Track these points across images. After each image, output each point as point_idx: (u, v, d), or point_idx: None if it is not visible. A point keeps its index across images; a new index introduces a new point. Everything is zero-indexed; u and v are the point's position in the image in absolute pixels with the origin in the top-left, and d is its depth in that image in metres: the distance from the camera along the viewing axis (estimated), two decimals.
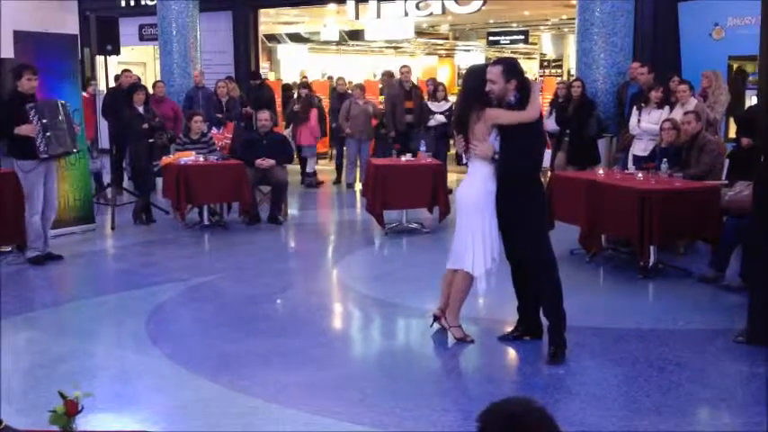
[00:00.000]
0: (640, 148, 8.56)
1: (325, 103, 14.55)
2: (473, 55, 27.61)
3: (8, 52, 8.31)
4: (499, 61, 4.89)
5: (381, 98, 12.94)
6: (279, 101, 14.41)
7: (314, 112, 12.60)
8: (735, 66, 10.98)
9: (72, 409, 2.31)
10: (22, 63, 7.38)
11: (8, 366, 4.79)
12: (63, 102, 7.48)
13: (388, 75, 13.51)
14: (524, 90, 4.79)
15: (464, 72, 5.60)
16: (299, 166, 12.82)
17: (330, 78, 15.13)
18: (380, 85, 13.35)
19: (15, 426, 2.17)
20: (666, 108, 8.50)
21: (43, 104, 7.17)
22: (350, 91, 13.25)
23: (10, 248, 7.65)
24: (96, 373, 4.74)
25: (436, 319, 5.27)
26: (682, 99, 8.31)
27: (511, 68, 4.76)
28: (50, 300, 6.48)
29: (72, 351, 5.05)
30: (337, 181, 12.87)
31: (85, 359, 4.96)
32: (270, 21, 20.06)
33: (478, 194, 4.85)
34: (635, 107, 8.86)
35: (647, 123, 8.51)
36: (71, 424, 2.32)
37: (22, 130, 7.01)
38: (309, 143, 12.63)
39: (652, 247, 6.68)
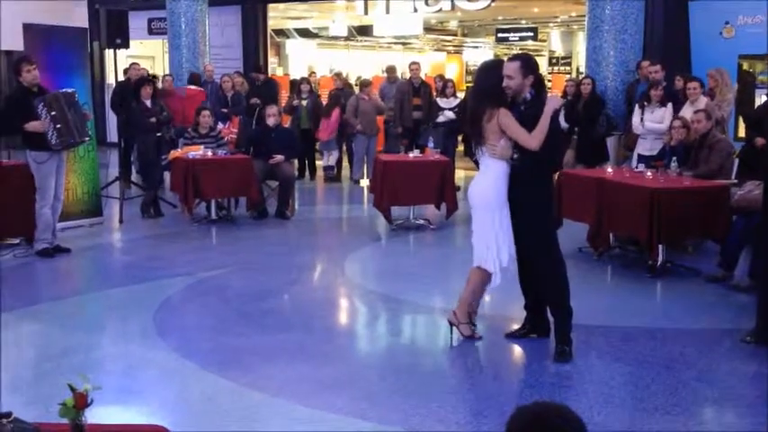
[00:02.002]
0: (645, 147, 8.53)
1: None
2: (482, 51, 27.57)
3: (18, 45, 8.32)
4: (517, 57, 4.86)
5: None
6: (286, 95, 14.38)
7: (336, 110, 12.56)
8: (745, 64, 10.93)
9: (81, 402, 2.31)
10: (18, 57, 7.35)
11: (16, 359, 4.82)
12: (71, 90, 7.46)
13: (390, 70, 13.45)
14: (540, 87, 4.80)
15: (478, 67, 5.58)
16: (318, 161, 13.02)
17: (339, 74, 15.07)
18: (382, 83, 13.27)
19: (24, 418, 2.17)
20: (669, 105, 8.46)
21: (51, 97, 7.15)
22: (356, 87, 13.26)
23: (18, 241, 7.67)
24: (103, 366, 4.76)
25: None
26: (692, 97, 8.27)
27: (529, 64, 4.74)
28: (58, 292, 6.50)
29: (79, 344, 5.06)
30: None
31: (92, 352, 4.97)
32: (278, 15, 20.05)
33: (489, 192, 4.83)
34: (637, 106, 8.83)
35: (650, 123, 8.47)
36: (80, 417, 2.32)
37: (32, 126, 7.00)
38: (327, 138, 12.64)
39: (660, 246, 6.66)
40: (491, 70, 4.91)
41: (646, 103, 8.62)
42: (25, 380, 4.50)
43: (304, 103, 12.53)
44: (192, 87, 12.60)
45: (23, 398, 4.15)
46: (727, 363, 4.78)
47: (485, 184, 4.87)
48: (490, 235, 4.84)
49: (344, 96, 12.68)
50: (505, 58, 5.29)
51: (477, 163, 4.99)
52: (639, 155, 8.56)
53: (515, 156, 4.72)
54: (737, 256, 6.43)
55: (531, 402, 1.82)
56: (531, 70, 4.74)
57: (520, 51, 21.10)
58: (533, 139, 4.63)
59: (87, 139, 7.70)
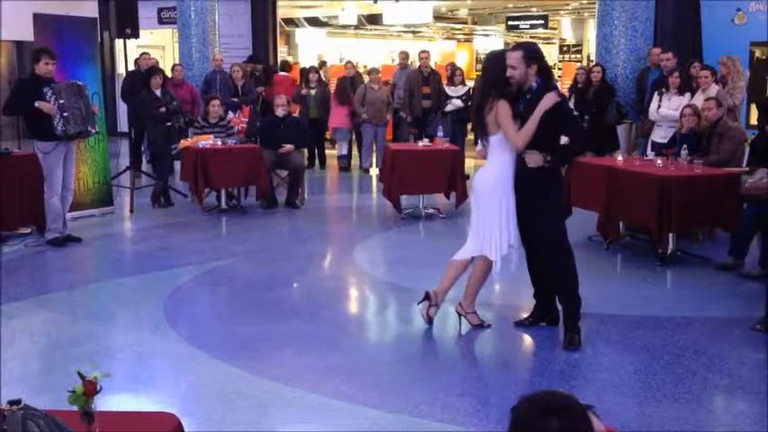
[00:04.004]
0: (660, 134, 8.49)
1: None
2: (492, 39, 27.46)
3: (28, 35, 8.35)
4: (519, 46, 4.84)
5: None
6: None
7: (351, 97, 12.52)
8: (757, 52, 10.85)
9: (91, 390, 2.33)
10: (41, 47, 7.42)
11: (26, 347, 4.86)
12: (81, 83, 7.50)
13: (403, 56, 13.36)
14: (547, 75, 4.77)
15: (484, 57, 5.56)
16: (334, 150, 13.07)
17: (349, 62, 15.04)
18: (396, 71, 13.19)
19: (34, 405, 2.18)
20: (687, 95, 8.42)
21: (60, 86, 7.19)
22: (366, 76, 13.21)
23: (29, 230, 7.72)
24: (113, 354, 4.79)
25: (426, 297, 5.18)
26: (703, 85, 8.22)
27: (531, 53, 4.71)
28: (69, 282, 6.52)
29: (90, 333, 5.10)
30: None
31: (103, 341, 5.00)
32: (288, 4, 20.03)
33: (496, 180, 4.83)
34: (656, 93, 8.78)
35: (666, 109, 8.43)
36: (90, 404, 2.34)
37: (42, 105, 7.02)
38: (342, 126, 12.59)
39: (671, 235, 6.64)
40: (495, 60, 4.89)
41: (664, 90, 8.57)
42: (36, 368, 4.53)
43: (312, 92, 12.52)
44: (282, 74, 13.37)
45: (34, 386, 4.19)
46: (737, 351, 4.77)
47: (492, 172, 4.87)
48: (495, 223, 4.84)
49: (353, 84, 12.63)
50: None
51: None
52: (653, 142, 8.52)
53: (548, 158, 4.69)
54: (748, 245, 6.42)
55: (536, 392, 1.83)
56: (535, 59, 4.70)
57: (528, 39, 21.03)
58: (518, 139, 4.63)
59: (94, 131, 7.71)
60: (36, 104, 7.01)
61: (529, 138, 4.61)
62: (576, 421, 1.76)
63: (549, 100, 4.62)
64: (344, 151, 12.78)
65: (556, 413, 1.74)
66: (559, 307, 4.99)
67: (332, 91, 12.96)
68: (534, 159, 4.68)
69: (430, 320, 5.15)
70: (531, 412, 1.77)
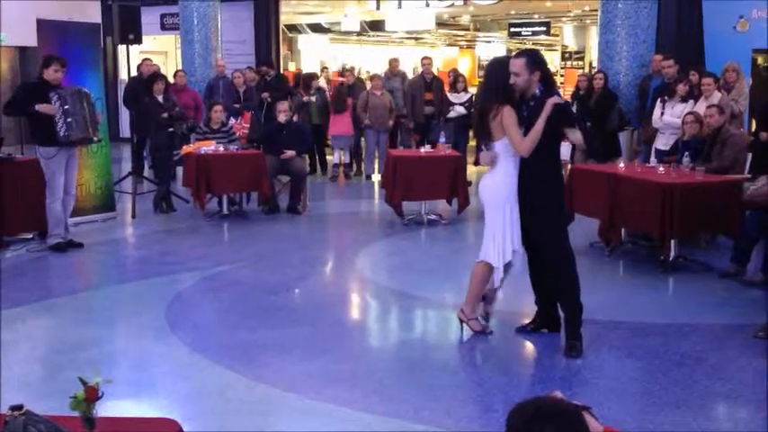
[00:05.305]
0: (662, 141, 8.50)
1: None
2: (494, 46, 27.49)
3: (31, 41, 8.37)
4: (522, 53, 4.86)
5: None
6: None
7: (350, 102, 12.52)
8: (759, 59, 10.84)
9: (92, 395, 2.33)
10: (52, 54, 7.43)
11: (28, 352, 4.86)
12: (87, 90, 7.53)
13: (393, 63, 13.31)
14: (549, 82, 4.78)
15: (487, 64, 5.58)
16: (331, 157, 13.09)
17: (348, 71, 15.04)
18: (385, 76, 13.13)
19: (36, 411, 2.19)
20: (691, 102, 8.42)
21: (66, 91, 7.21)
22: (368, 82, 13.22)
23: (31, 235, 7.73)
24: (115, 360, 4.79)
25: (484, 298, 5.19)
26: (706, 92, 8.23)
27: (534, 60, 4.73)
28: (71, 287, 6.53)
29: (91, 338, 5.10)
30: (357, 172, 12.87)
31: (105, 346, 5.00)
32: (290, 11, 20.07)
33: (499, 187, 4.84)
34: (659, 100, 8.79)
35: (669, 117, 8.44)
36: (91, 410, 2.34)
37: (44, 108, 7.04)
38: (344, 133, 12.59)
39: (673, 241, 6.64)
40: (499, 67, 4.90)
41: (667, 98, 8.57)
42: (37, 374, 4.53)
43: (314, 98, 12.52)
44: (340, 79, 13.78)
45: (36, 391, 4.19)
46: (738, 358, 4.76)
47: (495, 179, 4.88)
48: (498, 229, 4.85)
49: (351, 91, 12.62)
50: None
51: None
52: (656, 149, 8.52)
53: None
54: (750, 252, 6.40)
55: (530, 398, 1.83)
56: (538, 66, 4.72)
57: (532, 46, 21.06)
58: (523, 145, 4.64)
59: (96, 139, 7.73)
60: (36, 108, 7.03)
61: (534, 144, 4.62)
62: (570, 426, 1.77)
63: (550, 105, 4.63)
64: (347, 159, 12.76)
65: (550, 419, 1.75)
66: (561, 313, 4.99)
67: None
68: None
69: (487, 317, 5.18)
70: (526, 419, 1.77)
